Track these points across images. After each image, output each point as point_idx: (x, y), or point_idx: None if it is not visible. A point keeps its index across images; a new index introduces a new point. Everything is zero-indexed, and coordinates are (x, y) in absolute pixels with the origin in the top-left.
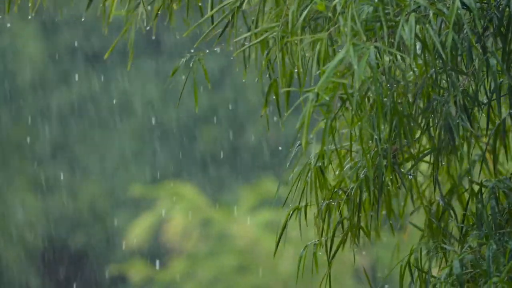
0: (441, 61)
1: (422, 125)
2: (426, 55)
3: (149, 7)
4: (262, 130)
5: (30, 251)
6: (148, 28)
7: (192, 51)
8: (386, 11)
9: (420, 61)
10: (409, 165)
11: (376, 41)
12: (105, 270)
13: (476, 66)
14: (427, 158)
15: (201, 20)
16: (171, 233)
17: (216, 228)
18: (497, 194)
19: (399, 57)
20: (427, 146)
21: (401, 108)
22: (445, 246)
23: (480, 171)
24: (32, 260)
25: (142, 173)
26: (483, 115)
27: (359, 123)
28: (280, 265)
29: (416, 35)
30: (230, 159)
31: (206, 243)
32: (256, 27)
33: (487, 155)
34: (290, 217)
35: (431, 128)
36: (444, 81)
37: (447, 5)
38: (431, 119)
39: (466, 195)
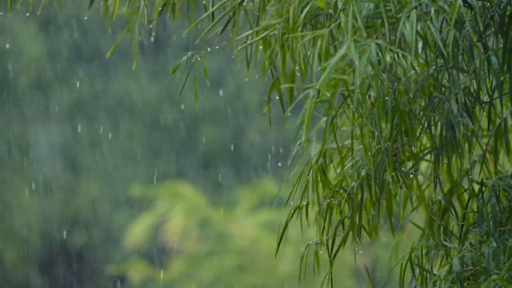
0: (442, 58)
1: (423, 122)
2: (427, 52)
3: (151, 7)
4: (262, 130)
5: (30, 251)
6: (150, 26)
7: (190, 51)
8: (388, 7)
9: (421, 59)
10: (410, 164)
11: (377, 38)
12: (105, 270)
13: (477, 64)
14: (428, 158)
15: (202, 17)
16: (171, 233)
17: (215, 228)
18: (498, 192)
19: (400, 55)
20: (428, 146)
21: (402, 105)
22: (445, 243)
23: (480, 170)
24: (32, 260)
25: (142, 173)
26: (484, 114)
27: (360, 119)
28: (280, 265)
29: (417, 32)
30: (230, 159)
31: (206, 243)
32: (257, 24)
33: (488, 155)
34: (292, 216)
35: (432, 126)
36: (445, 80)
37: (449, 2)
38: (432, 118)
39: (466, 195)
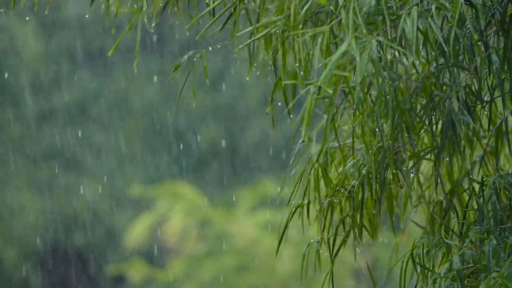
0: (443, 56)
1: (424, 119)
2: (428, 49)
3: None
4: (262, 130)
5: (30, 251)
6: (153, 24)
7: (191, 51)
8: (389, 4)
9: (422, 58)
10: (411, 163)
11: (378, 35)
12: (105, 270)
13: (478, 62)
14: (429, 157)
15: (202, 12)
16: (170, 233)
17: (215, 228)
18: (498, 189)
19: (401, 52)
20: (429, 145)
21: (403, 103)
22: (446, 240)
23: (479, 168)
24: (32, 260)
25: (142, 173)
26: (485, 113)
27: (361, 116)
28: (279, 265)
29: (418, 28)
30: (230, 159)
31: (206, 243)
32: (258, 22)
33: (488, 156)
34: (293, 215)
35: (433, 125)
36: (446, 79)
37: (450, 0)
38: (433, 116)
39: (466, 194)
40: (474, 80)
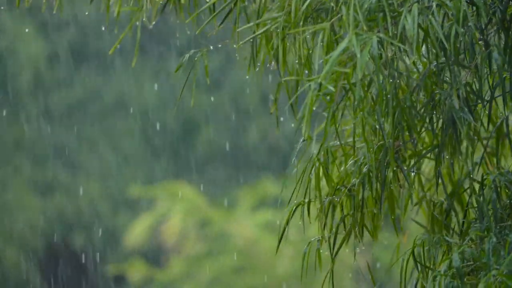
0: (443, 54)
1: (424, 116)
2: (429, 46)
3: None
4: (262, 130)
5: (30, 251)
6: (153, 22)
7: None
8: (389, 1)
9: (423, 55)
10: (412, 162)
11: (379, 31)
12: (105, 270)
13: (478, 59)
14: (429, 156)
15: (203, 7)
16: (170, 233)
17: (215, 228)
18: (498, 187)
19: (402, 49)
20: (430, 144)
21: (404, 100)
22: (447, 238)
23: (479, 166)
24: (32, 260)
25: (142, 173)
26: (486, 112)
27: (361, 113)
28: (279, 266)
29: (419, 25)
30: (230, 159)
31: (205, 243)
32: (258, 18)
33: (489, 157)
34: (294, 213)
35: (434, 122)
36: (447, 78)
37: None
38: (434, 115)
39: (467, 194)
40: (475, 79)
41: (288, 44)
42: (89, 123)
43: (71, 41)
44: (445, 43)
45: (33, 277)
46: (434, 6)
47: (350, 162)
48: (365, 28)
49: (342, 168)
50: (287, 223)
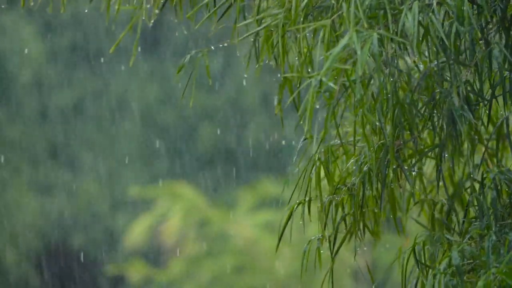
0: (443, 52)
1: (425, 115)
2: (429, 44)
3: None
4: (262, 130)
5: (30, 251)
6: (152, 20)
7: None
8: None
9: (423, 53)
10: (413, 162)
11: (379, 29)
12: (104, 270)
13: (478, 57)
14: (430, 155)
15: (202, 3)
16: (170, 234)
17: (215, 229)
18: (500, 186)
19: (402, 46)
20: (431, 144)
21: (404, 98)
22: (447, 236)
23: (479, 168)
24: (32, 260)
25: (141, 173)
26: (486, 112)
27: (361, 110)
28: (279, 266)
29: (419, 23)
30: (229, 160)
31: (205, 244)
32: (258, 15)
33: (489, 157)
34: (294, 210)
35: (434, 121)
36: (448, 77)
37: None
38: (435, 114)
39: (467, 193)
40: (476, 79)
41: (288, 42)
42: (89, 123)
43: (71, 41)
44: (445, 41)
45: (32, 277)
46: (435, 4)
47: (351, 161)
48: (365, 25)
49: (342, 167)
50: (287, 221)
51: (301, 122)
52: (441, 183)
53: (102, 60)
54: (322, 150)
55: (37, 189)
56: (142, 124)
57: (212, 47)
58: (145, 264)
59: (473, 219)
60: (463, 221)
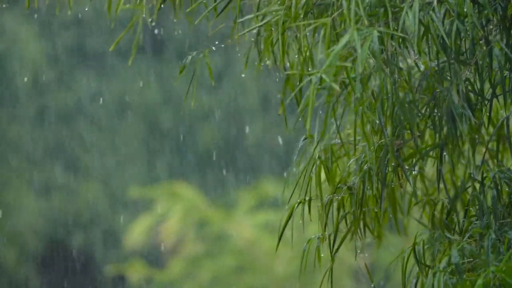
0: (444, 50)
1: (426, 115)
2: (429, 42)
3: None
4: (261, 130)
5: (30, 251)
6: (152, 17)
7: (190, 51)
8: None
9: (424, 52)
10: (413, 161)
11: (380, 26)
12: (104, 270)
13: (478, 56)
14: (431, 155)
15: (199, 1)
16: (170, 234)
17: (214, 229)
18: (500, 184)
19: (402, 45)
20: (431, 144)
21: (404, 97)
22: (447, 235)
23: (480, 168)
24: (32, 260)
25: (141, 173)
26: (487, 113)
27: (361, 108)
28: (278, 266)
29: (420, 21)
30: (229, 160)
31: (205, 244)
32: (258, 10)
33: (490, 158)
34: (295, 210)
35: (434, 119)
36: (448, 76)
37: None
38: (435, 113)
39: (467, 193)
40: (476, 78)
41: (288, 40)
42: (89, 123)
43: (71, 41)
44: (445, 39)
45: (32, 278)
46: (435, 2)
47: (351, 160)
48: (366, 23)
49: (343, 166)
50: (288, 220)
51: (300, 119)
52: (441, 183)
53: (102, 60)
54: (322, 148)
55: (37, 189)
56: (142, 124)
57: (213, 48)
58: (145, 264)
59: (473, 217)
60: (463, 221)
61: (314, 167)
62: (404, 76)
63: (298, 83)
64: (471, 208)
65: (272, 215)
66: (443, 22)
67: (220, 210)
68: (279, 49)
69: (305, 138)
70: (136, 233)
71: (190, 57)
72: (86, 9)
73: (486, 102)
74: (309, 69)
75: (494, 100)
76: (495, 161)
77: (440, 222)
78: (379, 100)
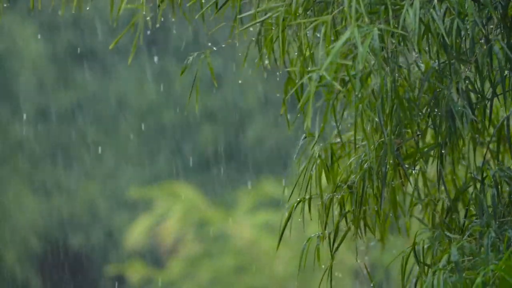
0: (444, 48)
1: (426, 114)
2: (430, 40)
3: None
4: (261, 131)
5: (30, 251)
6: (150, 19)
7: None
8: None
9: (424, 51)
10: (413, 161)
11: (380, 24)
12: (104, 270)
13: (478, 54)
14: (431, 155)
15: None
16: (169, 234)
17: (214, 229)
18: (500, 183)
19: (402, 42)
20: (433, 143)
21: (403, 95)
22: (447, 233)
23: (482, 166)
24: (32, 260)
25: (141, 174)
26: (487, 114)
27: (360, 105)
28: (278, 266)
29: (420, 19)
30: (230, 159)
31: (205, 244)
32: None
33: (491, 158)
34: (295, 209)
35: (436, 119)
36: (448, 75)
37: None
38: (435, 112)
39: (468, 193)
40: (477, 78)
41: (289, 38)
42: (89, 123)
43: (71, 41)
44: (445, 37)
45: (32, 278)
46: (436, 0)
47: (352, 159)
48: (366, 20)
49: (343, 165)
50: (288, 219)
51: (299, 115)
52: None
53: (102, 60)
54: (321, 146)
55: (37, 189)
56: (142, 124)
57: (215, 48)
58: (144, 264)
59: (474, 216)
60: (464, 221)
61: (314, 166)
62: (404, 74)
63: (298, 82)
64: (471, 208)
65: (272, 215)
66: (443, 21)
67: (220, 210)
68: (279, 48)
69: (305, 137)
70: (136, 233)
71: (191, 58)
72: (88, 8)
73: (487, 101)
74: (309, 67)
75: (494, 99)
76: (496, 161)
77: (440, 222)
78: (379, 98)
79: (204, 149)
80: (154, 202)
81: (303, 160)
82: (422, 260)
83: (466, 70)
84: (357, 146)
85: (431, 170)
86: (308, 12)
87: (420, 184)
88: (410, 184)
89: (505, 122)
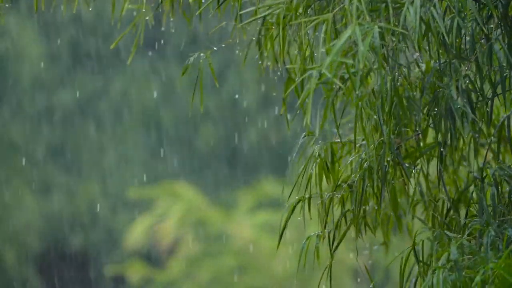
0: (444, 47)
1: (425, 112)
2: (430, 39)
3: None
4: (261, 131)
5: (30, 252)
6: (147, 18)
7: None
8: None
9: (424, 49)
10: (413, 161)
11: (380, 21)
12: (104, 270)
13: (479, 53)
14: (432, 154)
15: None
16: (169, 234)
17: (214, 229)
18: (500, 181)
19: (402, 40)
20: (433, 143)
21: (403, 92)
22: (447, 232)
23: (484, 163)
24: (32, 261)
25: (141, 173)
26: (488, 111)
27: (360, 103)
28: (278, 266)
29: (421, 17)
30: (229, 160)
31: (205, 244)
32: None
33: (492, 159)
34: (295, 208)
35: (435, 118)
36: (448, 73)
37: None
38: (436, 111)
39: (468, 192)
40: (477, 77)
41: (289, 37)
42: (89, 123)
43: (71, 41)
44: (445, 36)
45: (32, 278)
46: None
47: (351, 158)
48: (367, 18)
49: (343, 165)
50: (288, 219)
51: (298, 112)
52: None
53: (102, 59)
54: (321, 144)
55: (37, 189)
56: (143, 124)
57: (215, 48)
58: (144, 264)
59: (474, 217)
60: (465, 221)
61: (314, 165)
62: (404, 73)
63: (298, 79)
64: (471, 208)
65: (272, 215)
66: (443, 19)
67: (220, 210)
68: (279, 46)
69: (305, 136)
70: (136, 233)
71: (192, 58)
72: (90, 9)
73: (487, 100)
74: (310, 65)
75: (495, 99)
76: (497, 161)
77: (440, 222)
78: (379, 97)
79: (205, 148)
80: (154, 202)
81: (303, 159)
82: (421, 260)
83: (466, 69)
84: (357, 145)
85: (432, 169)
86: (308, 10)
87: (422, 184)
88: (410, 184)
89: (505, 122)
